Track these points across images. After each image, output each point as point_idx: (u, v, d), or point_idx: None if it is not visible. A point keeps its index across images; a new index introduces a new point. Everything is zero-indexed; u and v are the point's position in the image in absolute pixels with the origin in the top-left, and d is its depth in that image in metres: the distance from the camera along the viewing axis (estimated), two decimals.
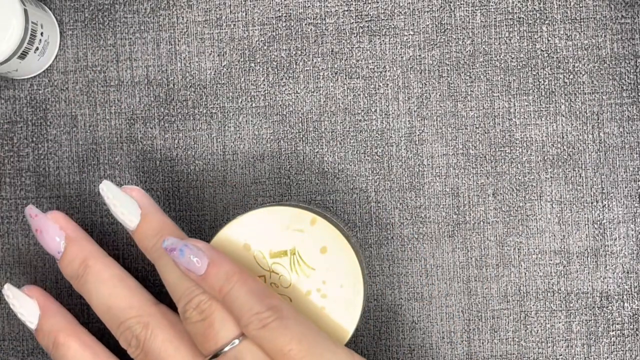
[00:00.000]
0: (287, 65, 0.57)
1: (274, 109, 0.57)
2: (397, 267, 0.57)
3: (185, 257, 0.49)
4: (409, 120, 0.57)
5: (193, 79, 0.57)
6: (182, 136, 0.57)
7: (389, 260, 0.57)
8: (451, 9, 0.57)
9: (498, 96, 0.57)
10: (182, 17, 0.57)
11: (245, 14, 0.57)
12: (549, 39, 0.57)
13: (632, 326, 0.56)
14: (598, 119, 0.57)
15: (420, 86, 0.57)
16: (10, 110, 0.58)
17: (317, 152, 0.57)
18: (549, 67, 0.57)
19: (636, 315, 0.56)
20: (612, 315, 0.56)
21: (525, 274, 0.57)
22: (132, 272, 0.58)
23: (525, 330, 0.57)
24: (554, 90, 0.57)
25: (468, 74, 0.57)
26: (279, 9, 0.57)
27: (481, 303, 0.57)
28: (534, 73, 0.57)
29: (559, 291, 0.57)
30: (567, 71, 0.57)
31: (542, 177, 0.57)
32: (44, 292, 0.54)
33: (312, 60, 0.57)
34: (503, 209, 0.57)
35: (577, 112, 0.57)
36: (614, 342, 0.57)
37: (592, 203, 0.57)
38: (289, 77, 0.57)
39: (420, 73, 0.57)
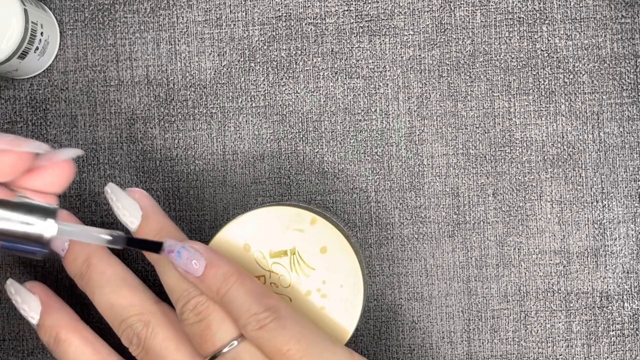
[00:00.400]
0: (287, 65, 0.57)
1: (274, 109, 0.57)
2: (397, 267, 0.57)
3: (183, 258, 0.49)
4: (409, 120, 0.57)
5: (193, 79, 0.57)
6: (182, 136, 0.57)
7: (389, 260, 0.57)
8: (451, 9, 0.57)
9: (498, 96, 0.57)
10: (182, 17, 0.57)
11: (245, 14, 0.57)
12: (549, 39, 0.57)
13: (632, 326, 0.56)
14: (598, 119, 0.57)
15: (420, 86, 0.57)
16: (10, 110, 0.58)
17: (317, 152, 0.57)
18: (549, 67, 0.57)
19: (636, 315, 0.56)
20: (612, 315, 0.56)
21: (525, 274, 0.57)
22: (133, 272, 0.58)
23: (525, 330, 0.57)
24: (554, 90, 0.57)
25: (468, 74, 0.57)
26: (279, 9, 0.57)
27: (481, 303, 0.57)
28: (534, 73, 0.57)
29: (559, 291, 0.57)
30: (567, 71, 0.57)
31: (542, 177, 0.57)
32: (46, 288, 0.55)
33: (312, 60, 0.57)
34: (503, 209, 0.57)
35: (577, 112, 0.57)
36: (614, 342, 0.57)
37: (592, 203, 0.57)
38: (289, 77, 0.57)
39: (420, 73, 0.57)
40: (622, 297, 0.56)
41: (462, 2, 0.57)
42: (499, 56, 0.57)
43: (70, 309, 0.54)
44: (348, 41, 0.57)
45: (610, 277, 0.57)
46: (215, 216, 0.57)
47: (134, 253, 0.58)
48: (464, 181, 0.57)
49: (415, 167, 0.57)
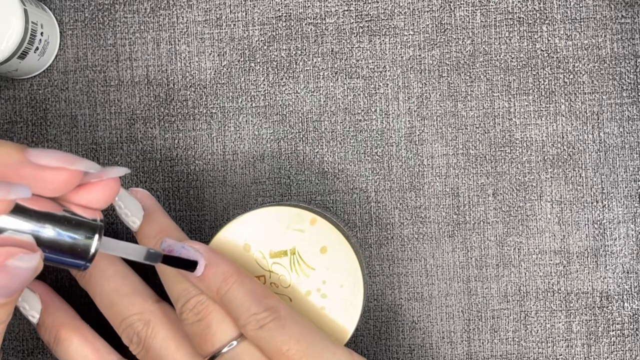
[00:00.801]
0: (287, 65, 0.57)
1: (274, 109, 0.57)
2: (397, 267, 0.57)
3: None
4: (409, 120, 0.57)
5: (193, 79, 0.57)
6: (182, 136, 0.57)
7: (389, 260, 0.57)
8: (451, 9, 0.57)
9: (498, 96, 0.57)
10: (182, 17, 0.57)
11: (245, 14, 0.57)
12: (549, 39, 0.57)
13: (632, 326, 0.56)
14: (598, 119, 0.57)
15: (420, 86, 0.57)
16: (10, 110, 0.58)
17: (317, 152, 0.57)
18: (549, 67, 0.57)
19: (636, 315, 0.56)
20: (612, 315, 0.56)
21: (525, 274, 0.57)
22: (134, 271, 0.58)
23: (525, 330, 0.57)
24: (554, 90, 0.57)
25: (468, 74, 0.57)
26: (279, 9, 0.57)
27: (481, 303, 0.57)
28: (534, 73, 0.57)
29: (559, 291, 0.57)
30: (567, 71, 0.57)
31: (542, 177, 0.57)
32: (46, 286, 0.55)
33: (312, 60, 0.57)
34: (503, 209, 0.57)
35: (577, 112, 0.57)
36: (614, 342, 0.57)
37: (592, 203, 0.57)
38: (289, 77, 0.57)
39: (420, 73, 0.57)
40: (622, 297, 0.56)
41: (462, 2, 0.57)
42: (499, 56, 0.57)
43: (70, 308, 0.54)
44: (348, 41, 0.57)
45: (610, 277, 0.57)
46: (215, 216, 0.57)
47: None
48: (464, 181, 0.57)
49: (415, 167, 0.57)
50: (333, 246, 0.51)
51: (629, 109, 0.57)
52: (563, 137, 0.57)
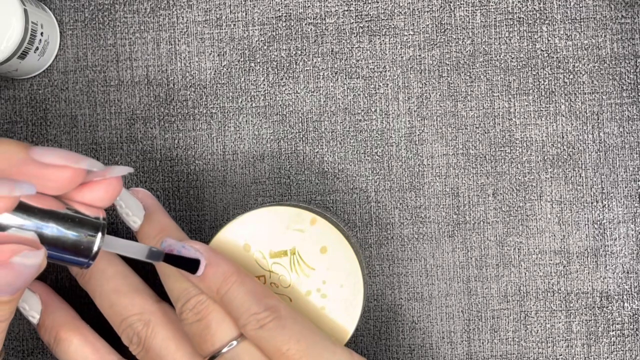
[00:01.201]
0: (287, 65, 0.57)
1: (274, 109, 0.57)
2: (397, 267, 0.57)
3: None
4: (409, 120, 0.57)
5: (193, 79, 0.57)
6: (182, 136, 0.57)
7: (389, 260, 0.57)
8: (451, 9, 0.57)
9: (498, 96, 0.57)
10: (182, 17, 0.57)
11: (245, 14, 0.57)
12: (549, 39, 0.57)
13: (632, 326, 0.56)
14: (598, 119, 0.57)
15: (420, 86, 0.57)
16: (10, 110, 0.58)
17: (317, 152, 0.57)
18: (549, 67, 0.57)
19: (636, 315, 0.56)
20: (612, 315, 0.56)
21: (525, 274, 0.57)
22: (134, 271, 0.58)
23: (525, 330, 0.57)
24: (554, 90, 0.57)
25: (468, 74, 0.57)
26: (279, 9, 0.57)
27: (481, 303, 0.57)
28: (534, 73, 0.57)
29: (559, 291, 0.57)
30: (567, 71, 0.57)
31: (542, 177, 0.57)
32: (47, 287, 0.55)
33: (312, 60, 0.57)
34: (503, 209, 0.57)
35: (577, 112, 0.57)
36: (614, 342, 0.57)
37: (592, 203, 0.57)
38: (289, 77, 0.57)
39: (420, 73, 0.57)
40: (622, 297, 0.56)
41: (462, 2, 0.57)
42: (499, 56, 0.57)
43: (70, 308, 0.54)
44: (348, 41, 0.57)
45: (610, 277, 0.57)
46: (215, 216, 0.57)
47: None
48: (464, 181, 0.57)
49: (415, 167, 0.57)
50: (333, 246, 0.51)
51: (629, 109, 0.57)
52: (563, 137, 0.57)
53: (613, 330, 0.57)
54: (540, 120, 0.57)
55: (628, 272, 0.56)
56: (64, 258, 0.43)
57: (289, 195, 0.57)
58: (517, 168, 0.57)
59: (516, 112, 0.57)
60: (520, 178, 0.57)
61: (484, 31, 0.57)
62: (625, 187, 0.57)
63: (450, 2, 0.57)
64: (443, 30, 0.57)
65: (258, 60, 0.57)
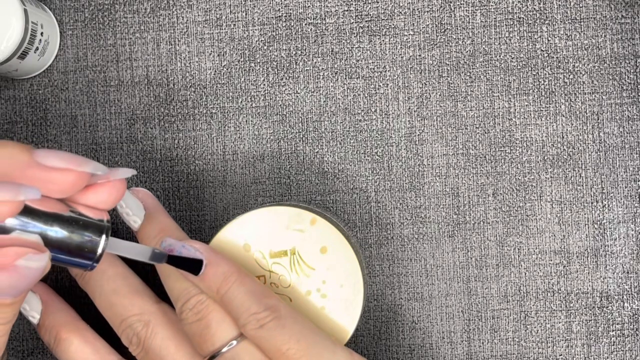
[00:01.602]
0: (287, 65, 0.57)
1: (274, 109, 0.57)
2: (397, 267, 0.57)
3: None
4: (409, 120, 0.57)
5: (193, 79, 0.57)
6: (182, 136, 0.57)
7: (389, 260, 0.57)
8: (451, 9, 0.57)
9: (498, 96, 0.57)
10: (182, 17, 0.57)
11: (245, 14, 0.57)
12: (549, 39, 0.57)
13: (632, 326, 0.56)
14: (598, 119, 0.57)
15: (420, 86, 0.57)
16: (10, 110, 0.58)
17: (317, 152, 0.57)
18: (549, 67, 0.57)
19: (636, 315, 0.56)
20: (612, 315, 0.56)
21: (525, 274, 0.57)
22: (134, 272, 0.58)
23: (525, 330, 0.57)
24: (554, 90, 0.57)
25: (468, 74, 0.57)
26: (279, 9, 0.57)
27: (481, 303, 0.57)
28: (534, 73, 0.57)
29: (559, 291, 0.57)
30: (567, 71, 0.57)
31: (542, 177, 0.57)
32: (47, 287, 0.55)
33: (312, 60, 0.57)
34: (503, 209, 0.57)
35: (577, 112, 0.57)
36: (614, 342, 0.57)
37: (592, 203, 0.57)
38: (289, 77, 0.57)
39: (420, 73, 0.57)
40: (622, 297, 0.56)
41: (462, 2, 0.57)
42: (499, 56, 0.57)
43: (70, 309, 0.54)
44: (348, 41, 0.57)
45: (610, 277, 0.57)
46: (215, 216, 0.57)
47: None
48: (464, 181, 0.57)
49: (415, 167, 0.57)
50: (333, 246, 0.51)
51: (629, 109, 0.57)
52: (563, 137, 0.57)
53: (613, 330, 0.57)
54: (540, 120, 0.57)
55: (628, 272, 0.56)
56: (68, 260, 0.44)
57: (289, 195, 0.57)
58: (517, 168, 0.57)
59: (516, 112, 0.57)
60: (520, 178, 0.57)
61: (484, 31, 0.57)
62: (625, 187, 0.57)
63: (450, 2, 0.57)
64: (443, 30, 0.57)
65: (258, 60, 0.57)
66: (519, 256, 0.57)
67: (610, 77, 0.57)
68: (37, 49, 0.55)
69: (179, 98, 0.57)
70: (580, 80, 0.57)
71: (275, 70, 0.57)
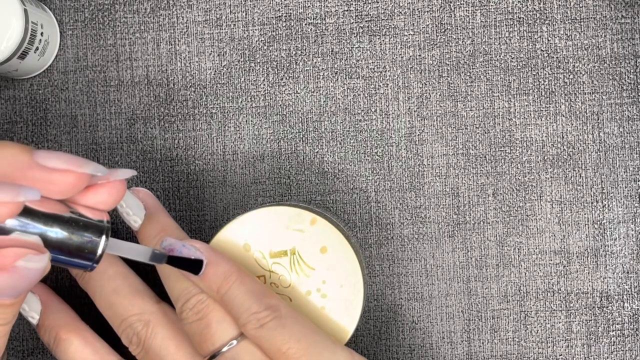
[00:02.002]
0: (287, 65, 0.57)
1: (274, 109, 0.57)
2: (397, 267, 0.57)
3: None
4: (409, 120, 0.57)
5: (193, 79, 0.57)
6: (182, 136, 0.57)
7: (389, 260, 0.57)
8: (451, 9, 0.57)
9: (498, 96, 0.57)
10: (182, 17, 0.57)
11: (245, 14, 0.57)
12: (549, 39, 0.57)
13: (632, 326, 0.56)
14: (598, 119, 0.57)
15: (420, 86, 0.57)
16: (10, 110, 0.58)
17: (317, 152, 0.57)
18: (549, 67, 0.57)
19: (636, 315, 0.56)
20: (612, 315, 0.56)
21: (525, 274, 0.57)
22: (134, 271, 0.58)
23: (525, 330, 0.57)
24: (554, 90, 0.57)
25: (468, 74, 0.57)
26: (279, 9, 0.57)
27: (481, 303, 0.57)
28: (534, 73, 0.57)
29: (559, 291, 0.57)
30: (567, 71, 0.57)
31: (542, 177, 0.57)
32: (46, 287, 0.55)
33: (312, 60, 0.57)
34: (503, 209, 0.57)
35: (577, 112, 0.57)
36: (614, 342, 0.57)
37: (592, 203, 0.57)
38: (289, 77, 0.57)
39: (420, 73, 0.57)
40: (622, 297, 0.56)
41: (462, 2, 0.57)
42: (499, 56, 0.57)
43: (70, 309, 0.54)
44: (348, 41, 0.57)
45: (610, 277, 0.57)
46: (215, 216, 0.57)
47: None
48: (464, 181, 0.57)
49: (415, 167, 0.57)
50: (333, 246, 0.51)
51: (629, 109, 0.57)
52: (563, 137, 0.57)
53: (613, 330, 0.57)
54: (540, 120, 0.57)
55: (628, 272, 0.56)
56: (68, 261, 0.44)
57: (289, 195, 0.57)
58: (517, 168, 0.57)
59: (516, 112, 0.57)
60: (520, 178, 0.57)
61: (484, 31, 0.57)
62: (625, 187, 0.57)
63: (450, 2, 0.57)
64: (443, 30, 0.57)
65: (258, 60, 0.57)
66: (519, 256, 0.57)
67: (610, 77, 0.57)
68: (37, 49, 0.55)
69: (179, 98, 0.57)
70: (580, 80, 0.57)
71: (275, 70, 0.57)
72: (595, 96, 0.57)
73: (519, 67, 0.57)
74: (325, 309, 0.51)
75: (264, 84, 0.57)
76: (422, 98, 0.57)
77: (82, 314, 0.56)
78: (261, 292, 0.48)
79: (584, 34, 0.57)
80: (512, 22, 0.57)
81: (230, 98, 0.57)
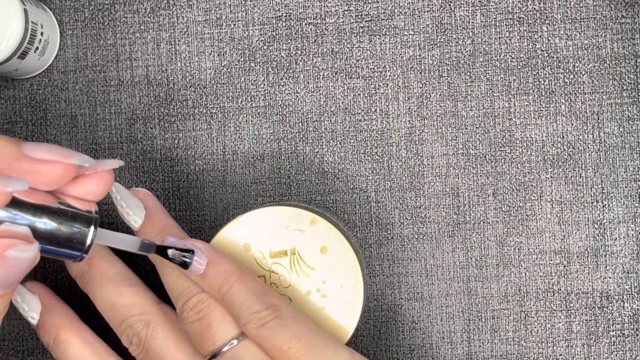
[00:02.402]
0: (287, 65, 0.57)
1: (274, 109, 0.57)
2: (397, 267, 0.57)
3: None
4: (409, 120, 0.57)
5: (193, 79, 0.57)
6: (182, 136, 0.57)
7: (389, 260, 0.57)
8: (451, 9, 0.57)
9: (498, 96, 0.57)
10: (182, 17, 0.57)
11: (245, 14, 0.57)
12: (549, 39, 0.57)
13: (632, 326, 0.56)
14: (598, 119, 0.57)
15: (420, 86, 0.57)
16: (10, 110, 0.58)
17: (317, 152, 0.57)
18: (549, 67, 0.57)
19: (636, 315, 0.56)
20: (612, 315, 0.56)
21: (525, 274, 0.57)
22: (134, 272, 0.58)
23: (525, 330, 0.57)
24: (554, 90, 0.57)
25: (468, 74, 0.57)
26: (279, 9, 0.57)
27: (481, 303, 0.57)
28: (534, 73, 0.57)
29: (559, 291, 0.57)
30: (567, 71, 0.57)
31: (542, 177, 0.57)
32: (46, 288, 0.55)
33: (312, 60, 0.57)
34: (503, 209, 0.57)
35: (577, 112, 0.57)
36: (614, 342, 0.57)
37: (592, 203, 0.57)
38: (289, 77, 0.57)
39: (420, 73, 0.57)
40: (622, 297, 0.56)
41: (462, 2, 0.57)
42: (499, 56, 0.57)
43: (70, 310, 0.54)
44: (348, 41, 0.57)
45: (610, 277, 0.57)
46: (215, 216, 0.57)
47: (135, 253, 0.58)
48: (464, 181, 0.57)
49: (415, 167, 0.57)
50: (333, 246, 0.51)
51: (629, 109, 0.57)
52: (563, 137, 0.57)
53: (613, 330, 0.57)
54: (540, 120, 0.57)
55: (628, 272, 0.56)
56: (57, 252, 0.44)
57: (289, 195, 0.57)
58: (517, 168, 0.57)
59: (516, 112, 0.57)
60: (520, 178, 0.57)
61: (484, 31, 0.57)
62: (625, 187, 0.57)
63: (450, 2, 0.57)
64: (443, 30, 0.57)
65: (258, 60, 0.57)
66: (519, 256, 0.57)
67: (610, 77, 0.57)
68: (37, 48, 0.55)
69: (179, 98, 0.57)
70: (580, 80, 0.57)
71: (275, 70, 0.57)
72: (595, 96, 0.57)
73: (519, 67, 0.57)
74: (325, 309, 0.51)
75: (264, 84, 0.57)
76: (422, 98, 0.57)
77: (82, 314, 0.56)
78: (262, 291, 0.48)
79: (584, 33, 0.57)
80: (512, 22, 0.57)
81: (230, 98, 0.57)
